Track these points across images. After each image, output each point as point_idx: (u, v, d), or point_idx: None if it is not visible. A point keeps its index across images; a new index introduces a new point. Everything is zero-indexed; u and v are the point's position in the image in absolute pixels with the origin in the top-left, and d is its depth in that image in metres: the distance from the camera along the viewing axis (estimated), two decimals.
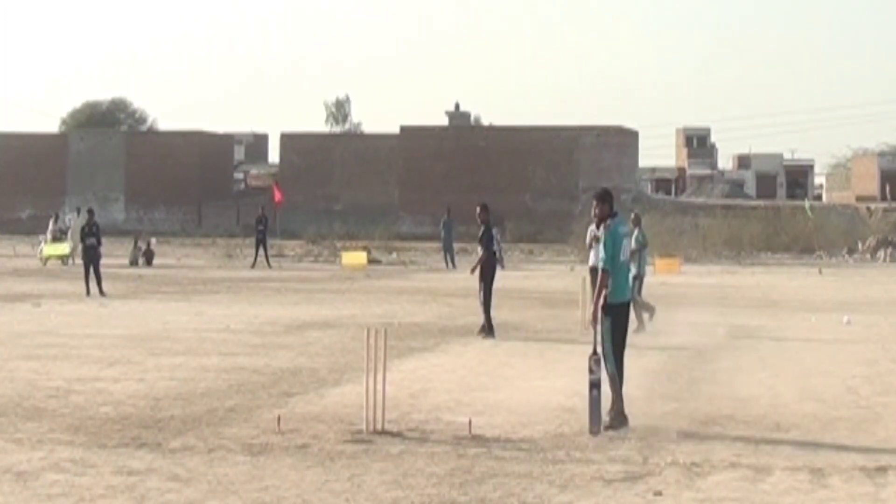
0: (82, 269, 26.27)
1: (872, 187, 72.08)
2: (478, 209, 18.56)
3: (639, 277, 19.02)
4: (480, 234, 18.31)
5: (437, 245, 44.88)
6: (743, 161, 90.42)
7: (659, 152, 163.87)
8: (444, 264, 40.59)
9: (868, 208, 59.75)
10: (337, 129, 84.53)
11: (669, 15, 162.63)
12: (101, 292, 25.24)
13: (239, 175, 77.17)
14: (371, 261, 41.15)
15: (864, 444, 9.79)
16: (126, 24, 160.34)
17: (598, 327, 10.40)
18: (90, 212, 28.26)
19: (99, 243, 26.47)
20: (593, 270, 21.33)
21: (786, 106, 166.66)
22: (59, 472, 8.52)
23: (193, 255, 46.03)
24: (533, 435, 10.07)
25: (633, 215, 20.33)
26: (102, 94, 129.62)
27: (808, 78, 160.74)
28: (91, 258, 26.17)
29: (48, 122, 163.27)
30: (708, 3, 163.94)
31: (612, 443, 9.80)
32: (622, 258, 10.61)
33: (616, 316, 10.47)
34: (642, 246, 19.65)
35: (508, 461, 9.03)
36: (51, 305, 22.74)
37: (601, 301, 10.37)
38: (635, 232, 19.67)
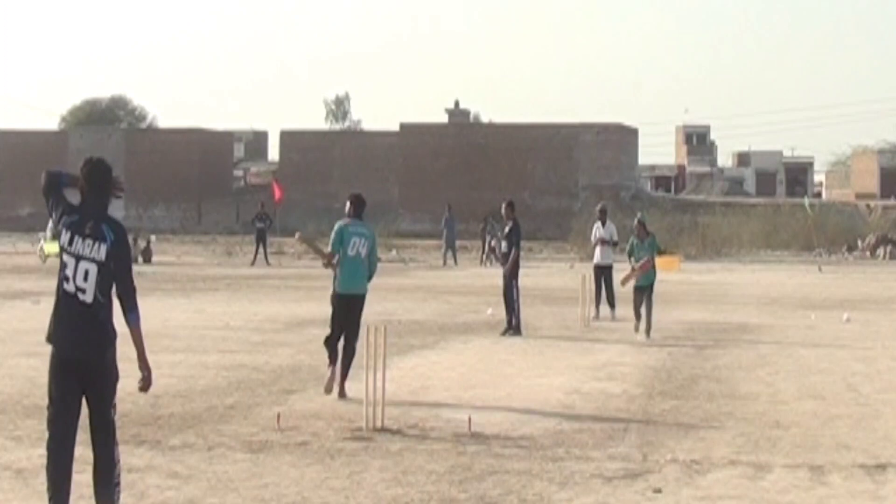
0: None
1: (872, 185, 72.00)
2: (503, 206, 18.67)
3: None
4: (508, 230, 18.32)
5: (437, 242, 44.84)
6: (742, 158, 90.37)
7: (659, 150, 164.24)
8: (441, 261, 40.52)
9: (868, 206, 59.65)
10: (337, 126, 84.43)
11: (669, 12, 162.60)
12: None
13: (238, 172, 77.03)
14: None
15: (863, 442, 9.80)
16: (126, 21, 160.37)
17: None
18: None
19: None
20: (597, 268, 21.33)
21: (785, 103, 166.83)
22: None
23: (193, 253, 46.01)
24: (532, 432, 10.08)
25: (636, 221, 19.80)
26: (102, 91, 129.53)
27: (808, 75, 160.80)
28: None
29: (48, 119, 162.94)
30: (708, 0, 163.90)
31: (611, 440, 9.81)
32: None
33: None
34: (650, 252, 19.33)
35: (508, 458, 9.03)
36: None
37: None
38: (647, 238, 19.09)
